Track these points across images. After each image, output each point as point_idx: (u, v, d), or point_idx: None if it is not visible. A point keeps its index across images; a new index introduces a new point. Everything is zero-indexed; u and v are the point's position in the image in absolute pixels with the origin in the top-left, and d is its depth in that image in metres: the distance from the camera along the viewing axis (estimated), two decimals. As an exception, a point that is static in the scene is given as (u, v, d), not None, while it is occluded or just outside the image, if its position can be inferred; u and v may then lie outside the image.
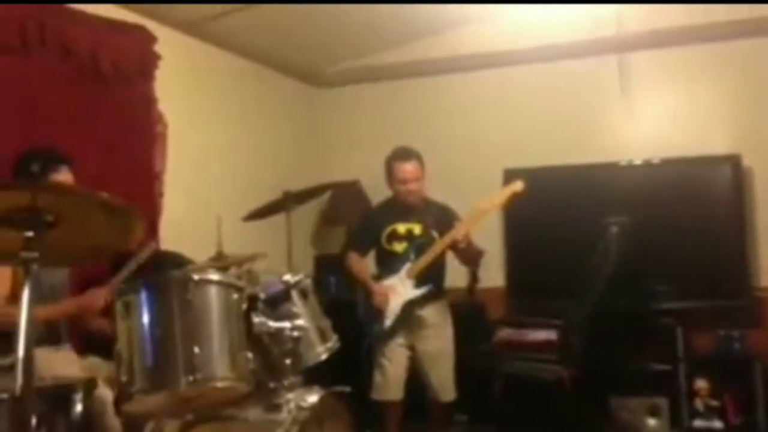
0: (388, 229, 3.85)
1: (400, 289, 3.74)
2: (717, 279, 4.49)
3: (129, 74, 3.75)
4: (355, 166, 5.34)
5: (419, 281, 3.72)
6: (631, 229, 4.06)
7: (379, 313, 3.74)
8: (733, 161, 4.56)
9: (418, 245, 3.76)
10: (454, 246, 3.69)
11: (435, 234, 3.75)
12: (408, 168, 3.77)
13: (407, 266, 3.74)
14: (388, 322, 3.73)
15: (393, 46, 5.26)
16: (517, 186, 3.71)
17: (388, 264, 3.83)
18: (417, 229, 3.82)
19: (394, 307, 3.73)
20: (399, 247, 3.82)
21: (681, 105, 4.83)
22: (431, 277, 3.75)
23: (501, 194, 3.74)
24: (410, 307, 3.74)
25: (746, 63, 4.67)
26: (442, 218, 3.80)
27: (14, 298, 2.48)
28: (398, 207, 3.88)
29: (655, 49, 4.85)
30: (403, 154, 3.81)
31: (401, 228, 3.84)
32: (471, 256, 3.84)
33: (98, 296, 2.59)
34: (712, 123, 4.74)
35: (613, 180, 4.78)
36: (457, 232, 3.62)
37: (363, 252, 3.94)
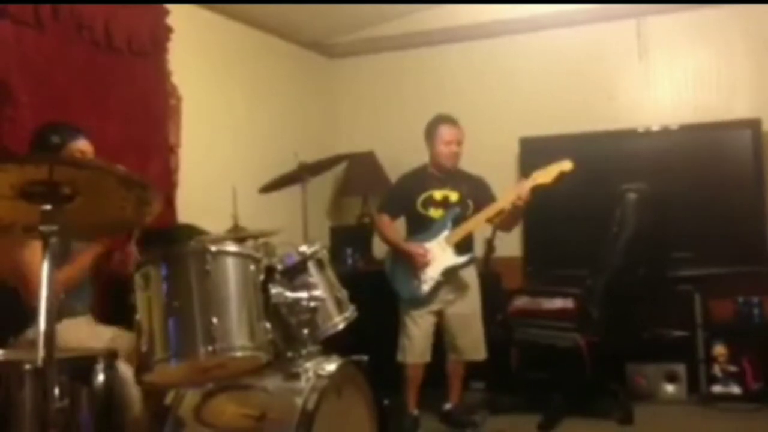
0: (424, 195, 3.91)
1: (439, 255, 3.78)
2: (736, 245, 4.45)
3: (142, 48, 3.75)
4: (369, 137, 5.32)
5: (458, 248, 3.78)
6: (650, 195, 4.03)
7: (415, 277, 3.77)
8: (753, 126, 4.49)
9: (456, 213, 3.83)
10: (496, 216, 3.76)
11: (470, 203, 3.83)
12: (454, 131, 3.90)
13: (445, 233, 3.79)
14: (425, 287, 3.77)
15: (406, 14, 5.20)
16: (566, 165, 3.67)
17: (422, 229, 3.88)
18: (453, 196, 3.89)
19: (432, 273, 3.77)
20: (435, 213, 3.88)
21: (700, 70, 4.75)
22: (466, 244, 3.83)
23: (547, 172, 3.68)
24: (450, 273, 3.78)
25: (766, 25, 4.57)
26: (478, 189, 3.90)
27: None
28: (433, 173, 3.94)
29: (673, 13, 4.75)
30: (448, 118, 3.95)
31: (437, 194, 3.91)
32: (511, 224, 3.91)
33: (87, 255, 2.66)
34: (732, 87, 4.66)
35: (631, 147, 4.73)
36: (505, 202, 3.71)
37: (394, 216, 3.99)
